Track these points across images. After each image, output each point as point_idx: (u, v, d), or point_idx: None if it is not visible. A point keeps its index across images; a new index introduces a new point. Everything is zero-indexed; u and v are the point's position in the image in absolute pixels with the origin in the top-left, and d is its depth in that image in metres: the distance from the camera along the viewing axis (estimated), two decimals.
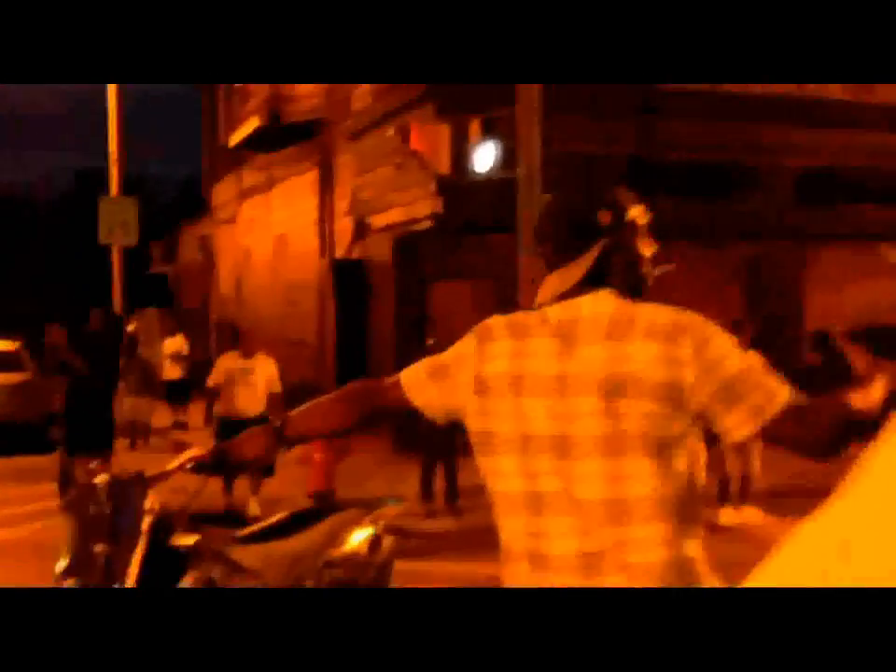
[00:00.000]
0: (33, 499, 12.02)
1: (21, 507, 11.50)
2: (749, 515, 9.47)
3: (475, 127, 12.75)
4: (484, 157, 13.03)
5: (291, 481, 10.42)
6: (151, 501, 2.68)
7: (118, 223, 17.46)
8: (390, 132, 15.04)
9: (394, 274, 15.60)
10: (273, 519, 3.37)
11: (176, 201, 37.49)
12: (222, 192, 27.63)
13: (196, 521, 3.33)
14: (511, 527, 2.32)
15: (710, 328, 2.21)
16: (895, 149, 15.92)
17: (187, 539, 2.85)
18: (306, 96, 19.45)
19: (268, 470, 2.46)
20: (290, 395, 11.35)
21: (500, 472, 2.29)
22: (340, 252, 18.32)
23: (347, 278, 16.94)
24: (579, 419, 2.18)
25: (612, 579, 2.19)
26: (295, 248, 21.06)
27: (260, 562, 3.01)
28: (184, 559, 2.84)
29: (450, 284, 14.67)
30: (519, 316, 2.38)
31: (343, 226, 18.17)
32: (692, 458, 2.22)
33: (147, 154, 62.75)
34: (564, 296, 2.28)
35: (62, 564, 2.75)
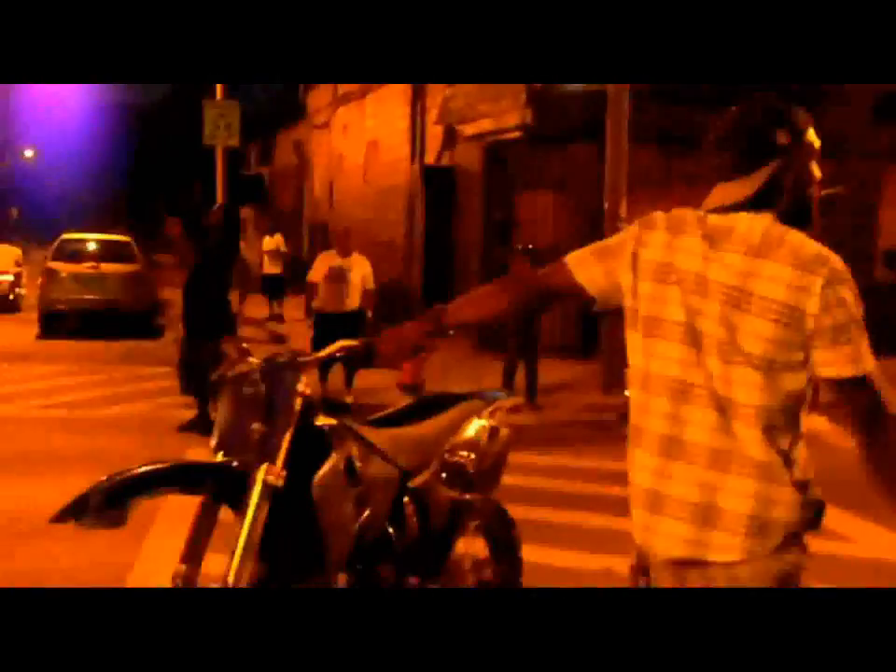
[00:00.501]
0: (142, 380, 12.36)
1: (131, 386, 11.83)
2: (817, 423, 9.39)
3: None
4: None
5: (382, 374, 10.51)
6: (303, 384, 2.70)
7: (221, 125, 17.45)
8: None
9: (482, 182, 15.50)
10: (402, 405, 3.37)
11: (273, 104, 37.19)
12: (317, 98, 27.50)
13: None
14: (653, 408, 2.33)
15: (846, 273, 2.20)
16: None
17: (329, 421, 2.88)
18: None
19: (366, 361, 2.46)
20: (380, 293, 11.44)
21: (647, 352, 2.35)
22: (429, 159, 18.19)
23: (437, 184, 16.86)
24: (705, 318, 2.23)
25: (735, 480, 2.22)
26: (386, 154, 20.97)
27: (391, 444, 3.04)
28: (328, 438, 2.87)
29: (536, 193, 14.52)
30: (680, 213, 2.40)
31: (434, 134, 18.02)
32: (799, 379, 2.23)
33: None
34: (728, 209, 2.28)
35: (214, 440, 2.79)
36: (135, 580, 5.08)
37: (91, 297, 16.64)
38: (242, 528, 2.59)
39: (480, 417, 3.37)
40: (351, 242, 11.04)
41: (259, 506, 2.60)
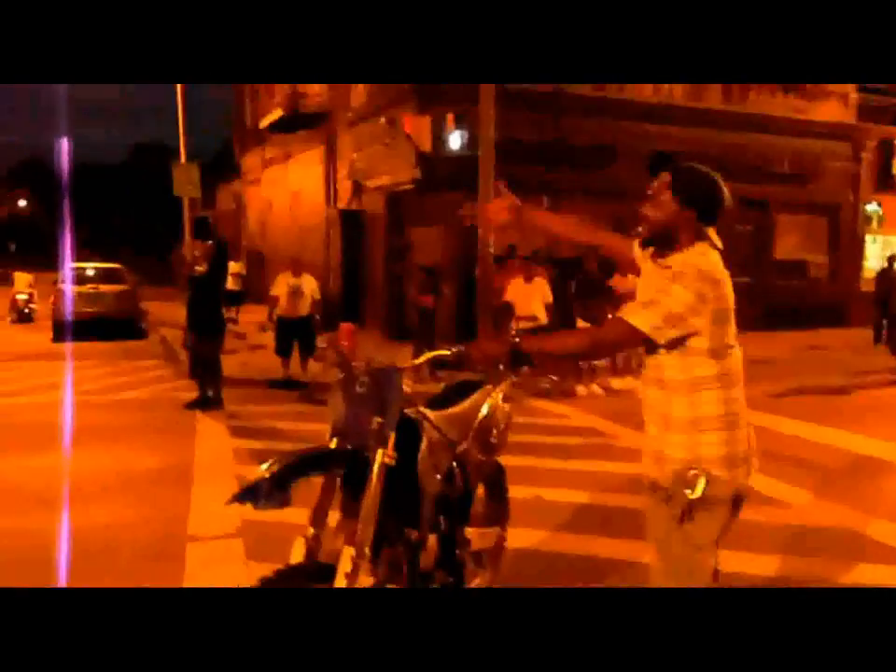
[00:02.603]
0: (141, 370, 11.68)
1: (135, 376, 11.14)
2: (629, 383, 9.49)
3: (450, 119, 12.37)
4: (454, 140, 12.66)
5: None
6: (405, 384, 2.46)
7: (186, 181, 16.68)
8: (382, 121, 14.53)
9: (384, 220, 15.23)
10: (442, 390, 3.14)
11: (215, 164, 35.85)
12: (249, 161, 26.57)
13: None
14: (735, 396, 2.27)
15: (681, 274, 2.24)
16: (716, 140, 15.89)
17: (413, 412, 2.64)
18: (317, 94, 18.62)
19: (457, 366, 2.27)
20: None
21: None
22: (341, 205, 17.78)
23: (349, 222, 16.53)
24: None
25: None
26: (307, 201, 20.41)
27: (444, 423, 2.82)
28: (416, 424, 2.63)
29: (424, 227, 14.36)
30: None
31: (344, 186, 17.62)
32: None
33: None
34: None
35: (329, 429, 2.52)
36: (194, 527, 4.68)
37: (92, 309, 15.85)
38: (366, 499, 2.34)
39: (492, 398, 3.18)
40: (300, 265, 10.66)
41: (378, 481, 2.35)
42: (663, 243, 2.22)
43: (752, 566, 4.00)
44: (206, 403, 8.50)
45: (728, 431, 2.20)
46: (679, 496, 2.15)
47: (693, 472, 2.15)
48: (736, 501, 2.21)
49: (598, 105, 14.72)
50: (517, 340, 2.28)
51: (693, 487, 2.13)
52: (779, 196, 16.92)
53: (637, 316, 2.14)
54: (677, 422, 2.21)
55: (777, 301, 16.88)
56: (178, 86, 17.28)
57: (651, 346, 2.20)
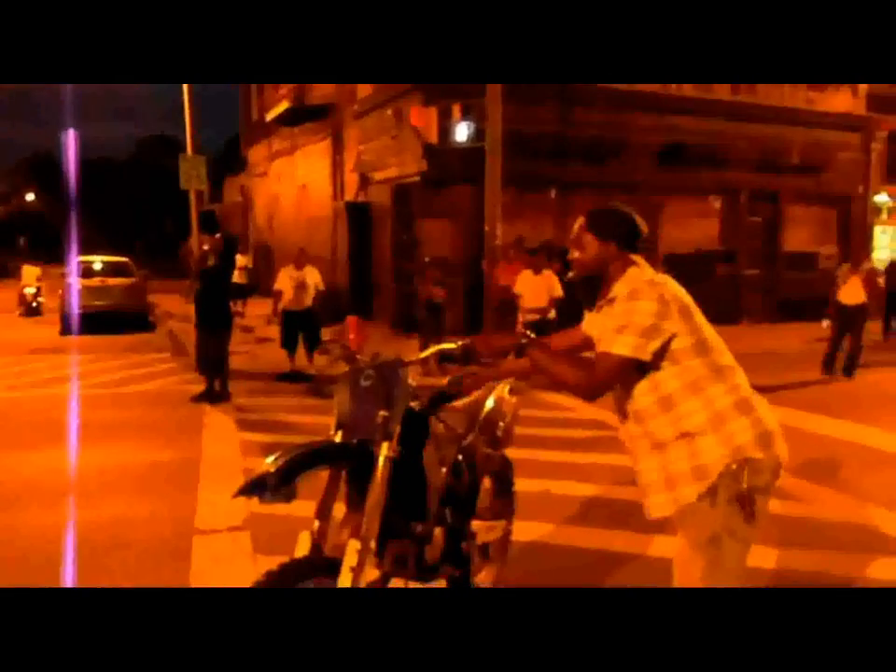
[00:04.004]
0: (149, 364, 11.70)
1: (144, 369, 11.17)
2: None
3: (456, 110, 12.32)
4: (461, 131, 12.61)
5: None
6: (410, 378, 2.44)
7: (193, 174, 16.70)
8: (389, 112, 14.48)
9: (391, 212, 15.19)
10: (453, 382, 3.11)
11: (221, 158, 35.91)
12: (256, 153, 26.56)
13: None
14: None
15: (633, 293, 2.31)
16: (726, 132, 15.79)
17: (418, 405, 2.62)
18: (322, 86, 18.57)
19: (464, 360, 2.25)
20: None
21: None
22: (347, 197, 17.74)
23: (356, 214, 16.48)
24: None
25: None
26: (314, 194, 20.39)
27: (451, 416, 2.81)
28: (422, 417, 2.62)
29: (431, 220, 14.33)
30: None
31: (351, 179, 17.58)
32: None
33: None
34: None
35: (334, 421, 2.50)
36: (202, 521, 4.69)
37: (100, 303, 15.91)
38: (371, 492, 2.33)
39: (497, 392, 3.16)
40: (305, 258, 10.65)
41: (383, 475, 2.34)
42: (597, 282, 2.38)
43: (765, 560, 3.97)
44: (214, 396, 8.51)
45: (749, 415, 2.23)
46: (731, 490, 2.15)
47: (735, 465, 2.16)
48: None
49: (607, 97, 14.64)
50: (527, 336, 2.26)
51: (740, 479, 2.15)
52: (789, 187, 16.82)
53: (616, 345, 2.21)
54: (697, 426, 2.21)
55: (786, 292, 16.80)
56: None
57: (641, 370, 2.24)
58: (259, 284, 20.53)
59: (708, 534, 2.17)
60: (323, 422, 2.86)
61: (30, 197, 56.95)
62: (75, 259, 17.15)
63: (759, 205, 16.85)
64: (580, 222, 2.39)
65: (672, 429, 2.23)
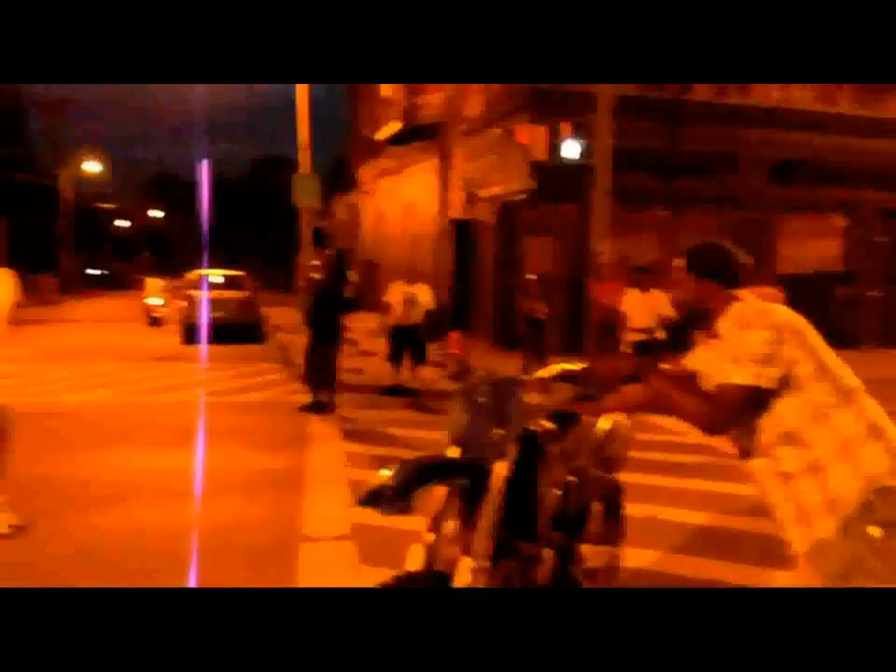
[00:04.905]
0: (261, 373, 12.12)
1: (256, 378, 11.57)
2: None
3: (565, 128, 12.27)
4: (568, 149, 12.55)
5: (435, 369, 10.27)
6: (526, 396, 2.42)
7: (306, 192, 17.26)
8: (497, 131, 14.57)
9: (495, 229, 15.23)
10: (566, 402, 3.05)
11: (331, 176, 36.97)
12: (365, 172, 27.19)
13: None
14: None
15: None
16: (846, 146, 15.05)
17: (536, 426, 2.59)
18: (432, 106, 18.87)
19: (584, 382, 2.27)
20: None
21: None
22: (452, 214, 17.89)
23: (460, 231, 16.63)
24: None
25: None
26: (419, 211, 20.69)
27: (564, 440, 2.74)
28: (538, 437, 2.58)
29: (535, 237, 14.28)
30: None
31: (456, 196, 17.72)
32: None
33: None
34: None
35: (449, 437, 2.50)
36: (308, 528, 4.78)
37: (217, 315, 16.56)
38: (485, 510, 2.31)
39: (609, 414, 3.08)
40: (415, 274, 10.75)
41: (497, 494, 2.32)
42: (701, 319, 2.33)
43: None
44: (320, 407, 8.72)
45: (880, 440, 2.11)
46: (865, 522, 2.04)
47: (870, 496, 2.04)
48: None
49: (719, 112, 14.25)
50: (649, 365, 2.20)
51: (875, 511, 2.03)
52: None
53: (735, 375, 2.13)
54: (827, 457, 2.09)
55: None
56: (299, 101, 17.94)
57: (762, 401, 2.15)
58: (364, 299, 20.98)
59: (839, 569, 2.04)
60: (426, 436, 2.87)
61: (156, 214, 60.31)
62: (196, 273, 18.00)
63: (889, 223, 15.96)
64: (678, 262, 2.37)
65: (799, 461, 2.12)
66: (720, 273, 2.30)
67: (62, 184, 35.70)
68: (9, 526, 4.52)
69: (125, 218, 61.53)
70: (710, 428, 2.16)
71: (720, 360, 2.20)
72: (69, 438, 7.48)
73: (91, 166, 39.86)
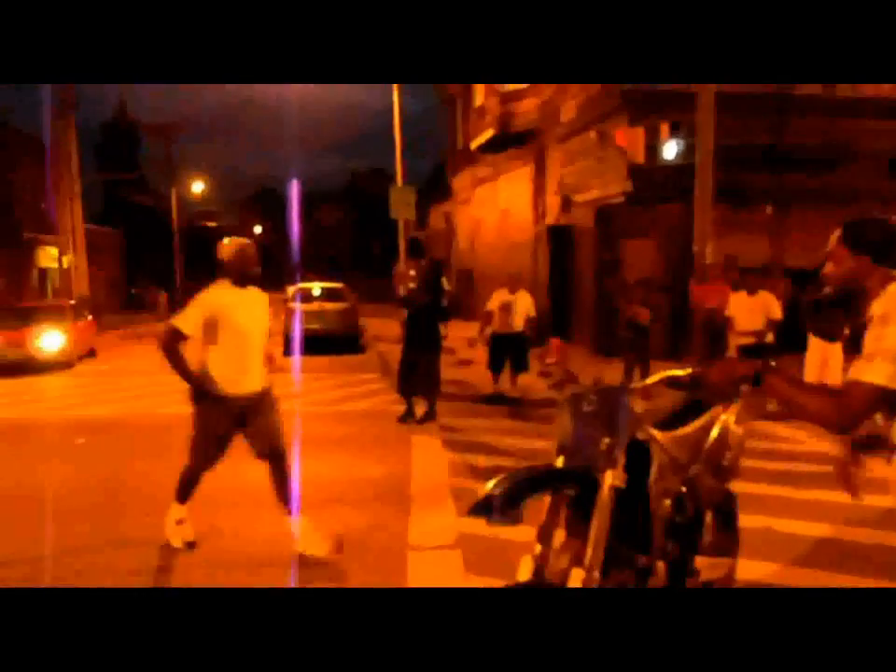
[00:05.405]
0: (361, 384, 12.34)
1: (357, 388, 11.80)
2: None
3: (664, 128, 12.01)
4: (668, 149, 12.27)
5: (533, 377, 10.20)
6: (634, 404, 2.38)
7: (403, 204, 17.54)
8: (592, 134, 14.40)
9: (595, 234, 15.04)
10: (670, 411, 2.98)
11: (427, 186, 37.43)
12: (460, 181, 27.40)
13: None
14: None
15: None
16: None
17: (644, 434, 2.54)
18: (526, 112, 18.86)
19: (692, 388, 2.20)
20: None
21: None
22: (549, 220, 17.81)
23: (557, 237, 16.52)
24: None
25: None
26: (515, 218, 20.68)
27: (672, 444, 2.69)
28: (647, 446, 2.54)
29: (635, 240, 14.03)
30: None
31: (552, 202, 17.63)
32: None
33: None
34: None
35: (557, 445, 2.49)
36: (414, 537, 4.83)
37: (317, 326, 16.97)
38: (595, 520, 2.28)
39: (723, 421, 2.97)
40: (518, 282, 10.68)
41: (608, 503, 2.29)
42: (854, 297, 2.22)
43: None
44: (422, 416, 8.80)
45: None
46: None
47: None
48: None
49: (827, 104, 13.60)
50: (766, 366, 2.11)
51: None
52: None
53: (868, 373, 2.00)
54: None
55: None
56: (396, 114, 18.26)
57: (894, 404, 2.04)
58: (460, 308, 21.09)
59: None
60: (527, 445, 2.86)
61: (257, 229, 62.58)
62: (297, 286, 18.54)
63: None
64: (836, 234, 2.21)
65: None
66: (877, 247, 2.13)
67: (173, 204, 37.57)
68: (184, 542, 4.68)
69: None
70: (835, 427, 2.04)
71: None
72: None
73: (198, 186, 41.70)
